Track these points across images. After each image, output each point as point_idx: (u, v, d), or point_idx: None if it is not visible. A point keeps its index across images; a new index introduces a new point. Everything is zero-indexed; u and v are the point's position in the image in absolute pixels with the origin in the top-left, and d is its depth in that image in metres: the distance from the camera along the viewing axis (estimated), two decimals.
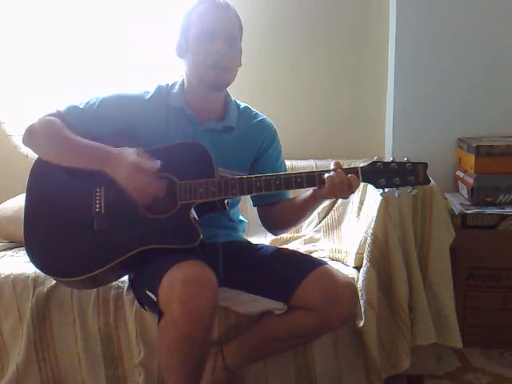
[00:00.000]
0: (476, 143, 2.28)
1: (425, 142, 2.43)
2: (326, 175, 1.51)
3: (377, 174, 1.51)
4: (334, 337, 1.75)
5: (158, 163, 1.54)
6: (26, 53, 2.52)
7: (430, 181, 1.52)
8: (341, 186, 1.49)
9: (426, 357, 1.81)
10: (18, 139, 2.46)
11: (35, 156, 1.68)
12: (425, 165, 1.50)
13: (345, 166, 1.54)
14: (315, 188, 1.56)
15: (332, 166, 1.52)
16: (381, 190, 1.52)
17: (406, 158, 1.51)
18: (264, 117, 1.80)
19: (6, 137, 2.54)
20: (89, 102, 1.67)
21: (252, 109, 1.80)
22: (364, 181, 1.52)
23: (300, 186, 1.54)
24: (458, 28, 2.43)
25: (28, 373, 1.81)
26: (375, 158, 1.52)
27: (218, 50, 1.60)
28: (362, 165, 1.54)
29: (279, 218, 1.74)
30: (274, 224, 1.78)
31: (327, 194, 1.54)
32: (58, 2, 2.50)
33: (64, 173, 1.61)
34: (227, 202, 1.59)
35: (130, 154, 1.55)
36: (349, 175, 1.50)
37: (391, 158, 1.52)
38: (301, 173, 1.54)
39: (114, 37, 2.52)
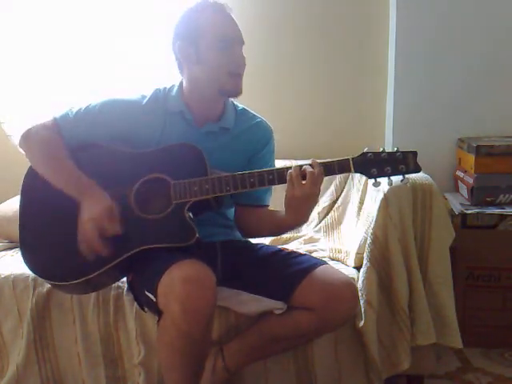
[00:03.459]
0: (476, 143, 2.28)
1: (425, 142, 2.43)
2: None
3: (368, 164, 1.51)
4: (334, 337, 1.75)
5: (119, 228, 1.53)
6: (26, 53, 2.52)
7: (420, 169, 1.51)
8: (292, 182, 1.48)
9: (425, 357, 1.81)
10: (17, 139, 2.45)
11: None
12: (414, 153, 1.51)
13: None
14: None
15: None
16: (373, 180, 1.52)
17: (396, 148, 1.52)
18: (262, 119, 1.79)
19: (5, 137, 2.54)
20: (85, 107, 1.67)
21: (250, 111, 1.79)
22: (356, 171, 1.51)
23: None
24: (458, 28, 2.43)
25: (28, 373, 1.81)
26: (365, 149, 1.52)
27: (237, 57, 1.61)
28: (352, 156, 1.53)
29: (256, 224, 1.74)
30: (248, 227, 1.76)
31: (288, 191, 1.50)
32: (58, 3, 2.50)
33: None
34: (221, 200, 1.59)
35: (103, 203, 1.54)
36: (304, 166, 1.49)
37: (381, 149, 1.52)
38: (293, 166, 1.53)
39: (113, 38, 2.52)
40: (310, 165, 1.50)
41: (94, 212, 1.52)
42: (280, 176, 1.53)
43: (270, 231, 1.77)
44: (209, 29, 1.60)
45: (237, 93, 1.66)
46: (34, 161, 1.66)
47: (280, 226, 1.67)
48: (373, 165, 1.50)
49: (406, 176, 1.50)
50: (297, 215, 1.57)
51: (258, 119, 1.78)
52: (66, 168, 1.61)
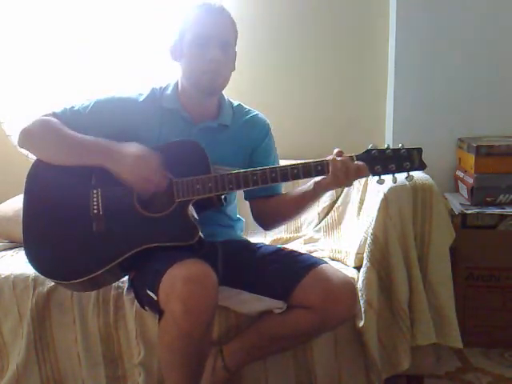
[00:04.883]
0: (476, 143, 2.28)
1: (425, 142, 2.40)
2: (332, 163, 1.50)
3: (372, 161, 1.51)
4: (334, 337, 1.75)
5: (159, 156, 1.56)
6: (26, 53, 2.52)
7: (425, 166, 1.51)
8: (346, 173, 1.48)
9: (425, 357, 1.80)
10: (17, 139, 2.46)
11: (35, 157, 1.68)
12: (419, 150, 1.51)
13: None
14: (316, 181, 1.56)
15: (335, 156, 1.51)
16: (377, 178, 1.52)
17: (400, 145, 1.52)
18: (257, 112, 1.81)
19: (5, 137, 2.54)
20: (83, 104, 1.67)
21: (245, 106, 1.81)
22: None
23: (296, 177, 1.54)
24: (458, 28, 2.43)
25: (28, 373, 1.81)
26: (370, 146, 1.52)
27: (212, 56, 1.61)
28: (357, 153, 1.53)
29: (273, 212, 1.74)
30: (266, 219, 1.77)
31: (331, 184, 1.53)
32: (57, 3, 2.50)
33: (61, 175, 1.61)
34: (224, 198, 1.60)
35: (131, 147, 1.57)
36: (356, 162, 1.49)
37: (386, 145, 1.52)
38: (297, 164, 1.54)
39: (112, 37, 2.52)
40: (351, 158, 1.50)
41: (133, 157, 1.54)
42: (282, 174, 1.53)
43: (292, 212, 1.74)
44: (190, 27, 1.64)
45: (210, 91, 1.67)
46: (41, 147, 1.64)
47: (299, 206, 1.68)
48: (377, 162, 1.50)
49: (411, 173, 1.50)
50: (320, 197, 1.66)
51: (254, 113, 1.80)
52: (79, 138, 1.60)
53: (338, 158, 1.50)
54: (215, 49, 1.61)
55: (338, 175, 1.50)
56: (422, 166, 1.51)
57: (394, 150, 1.51)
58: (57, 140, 1.61)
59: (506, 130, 2.45)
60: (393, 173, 1.51)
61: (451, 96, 2.46)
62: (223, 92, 1.76)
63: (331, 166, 1.50)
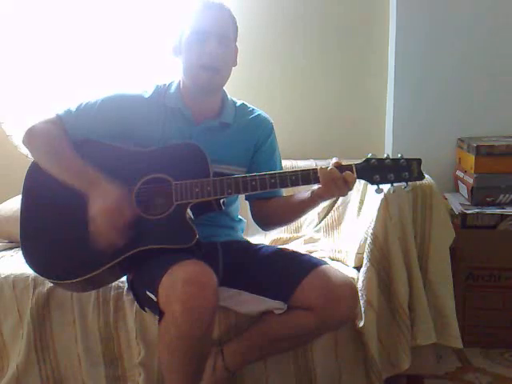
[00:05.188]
0: (476, 143, 2.28)
1: (425, 141, 2.43)
2: (320, 173, 1.50)
3: (371, 170, 1.50)
4: (334, 337, 1.75)
5: (133, 216, 1.52)
6: (26, 52, 2.52)
7: (424, 176, 1.51)
8: (335, 183, 1.48)
9: (425, 357, 1.81)
10: (17, 139, 2.46)
11: None
12: (419, 160, 1.50)
13: None
14: (313, 190, 1.56)
15: (330, 166, 1.52)
16: (376, 187, 1.52)
17: (400, 155, 1.51)
18: (261, 112, 1.80)
19: (5, 137, 2.54)
20: (88, 103, 1.67)
21: (248, 105, 1.81)
22: (359, 177, 1.51)
23: (295, 183, 1.53)
24: (458, 28, 2.43)
25: (28, 373, 1.81)
26: (369, 155, 1.51)
27: (210, 50, 1.60)
28: (356, 162, 1.53)
29: (272, 214, 1.74)
30: (265, 220, 1.77)
31: (324, 193, 1.53)
32: (58, 2, 2.50)
33: None
34: (223, 202, 1.59)
35: (114, 193, 1.53)
36: (344, 173, 1.49)
37: (385, 155, 1.52)
38: (295, 171, 1.54)
39: (113, 36, 2.51)
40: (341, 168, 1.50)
41: (104, 204, 1.51)
42: (281, 180, 1.53)
43: (290, 216, 1.75)
44: (189, 22, 1.64)
45: (209, 88, 1.66)
46: (39, 156, 1.65)
47: (297, 211, 1.68)
48: (376, 171, 1.50)
49: (409, 183, 1.50)
50: (318, 204, 1.62)
51: (257, 112, 1.79)
52: (72, 161, 1.60)
53: (328, 168, 1.49)
54: (214, 44, 1.61)
55: (328, 185, 1.50)
56: (420, 177, 1.50)
57: (393, 159, 1.50)
58: (52, 158, 1.62)
59: (506, 130, 2.45)
60: (391, 182, 1.50)
61: (451, 96, 2.46)
62: (227, 92, 1.77)
63: (320, 175, 1.50)
